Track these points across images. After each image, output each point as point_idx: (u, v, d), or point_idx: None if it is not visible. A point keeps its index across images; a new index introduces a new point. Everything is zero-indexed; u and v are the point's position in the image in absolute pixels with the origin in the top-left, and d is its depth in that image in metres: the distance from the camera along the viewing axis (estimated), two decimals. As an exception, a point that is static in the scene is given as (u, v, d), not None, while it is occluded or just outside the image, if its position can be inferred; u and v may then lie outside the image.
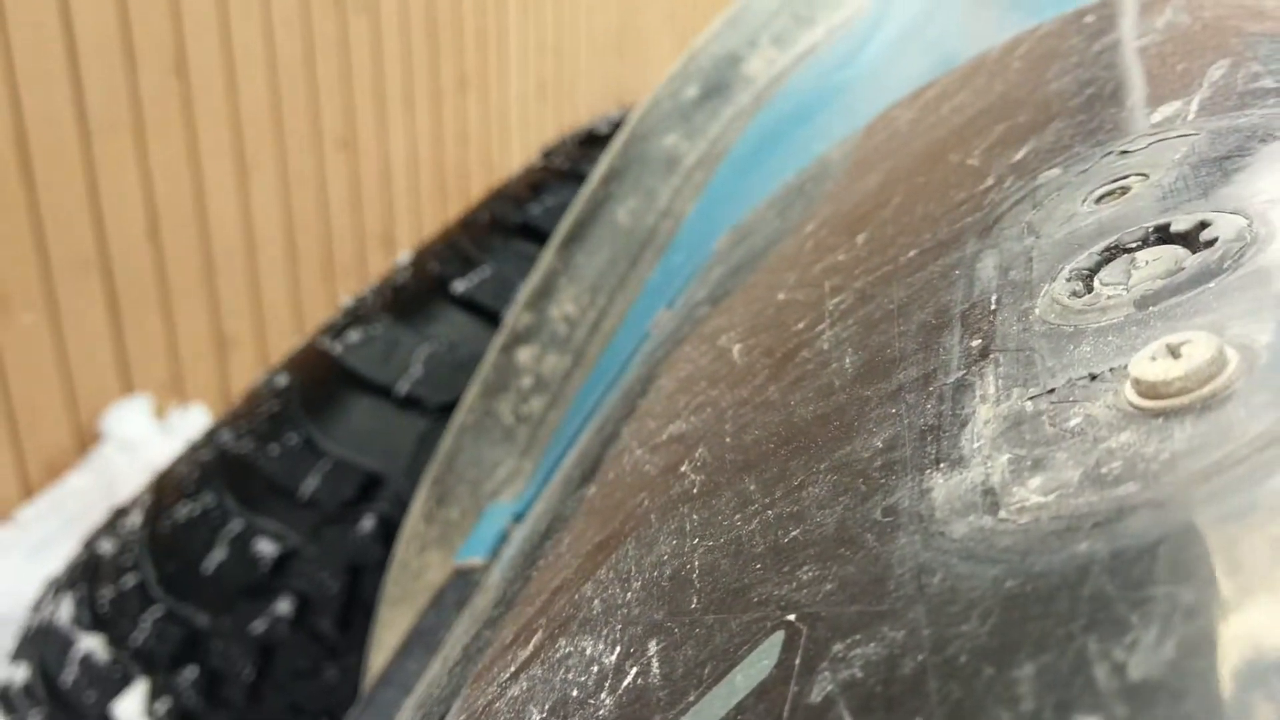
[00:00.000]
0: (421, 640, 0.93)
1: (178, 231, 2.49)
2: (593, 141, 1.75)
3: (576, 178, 1.56)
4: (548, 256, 1.16)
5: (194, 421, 2.51)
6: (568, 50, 4.24)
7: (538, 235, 1.53)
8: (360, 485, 1.33)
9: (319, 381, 1.42)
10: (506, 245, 1.56)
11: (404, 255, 1.79)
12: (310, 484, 1.32)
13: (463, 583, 0.96)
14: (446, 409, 1.33)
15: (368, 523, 1.31)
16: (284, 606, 1.28)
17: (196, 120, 2.49)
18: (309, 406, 1.38)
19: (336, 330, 1.47)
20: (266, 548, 1.30)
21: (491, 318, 1.45)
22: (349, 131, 3.04)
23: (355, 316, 1.49)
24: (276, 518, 1.31)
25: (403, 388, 1.40)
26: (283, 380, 1.46)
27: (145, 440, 2.37)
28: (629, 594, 0.40)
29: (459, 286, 1.51)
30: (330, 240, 3.01)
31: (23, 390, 2.19)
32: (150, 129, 2.37)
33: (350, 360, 1.42)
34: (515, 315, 1.15)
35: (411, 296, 1.51)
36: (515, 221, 1.59)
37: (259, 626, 1.27)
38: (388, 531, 1.30)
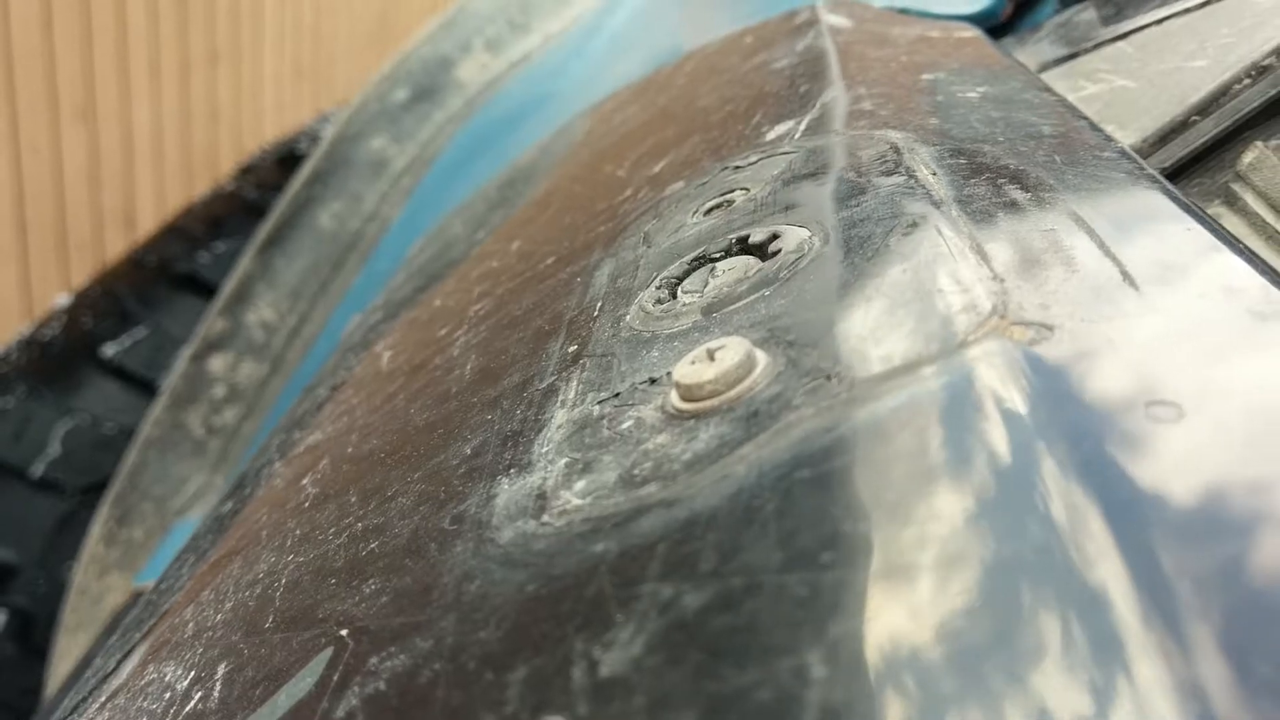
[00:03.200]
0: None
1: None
2: (293, 162, 1.68)
3: (261, 213, 1.49)
4: (245, 260, 1.11)
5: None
6: (326, 32, 4.09)
7: (205, 289, 1.45)
8: None
9: (-54, 459, 1.29)
10: (170, 299, 1.46)
11: (63, 298, 1.64)
12: None
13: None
14: (89, 491, 1.23)
15: None
16: None
17: (-80, 81, 2.23)
18: (-65, 487, 1.25)
19: None
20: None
21: (144, 386, 1.35)
22: (88, 101, 2.81)
23: None
24: None
25: (38, 469, 1.29)
26: None
27: None
28: (219, 615, 0.38)
29: (109, 350, 1.41)
30: (65, 216, 2.77)
31: None
32: None
33: None
34: (209, 322, 1.09)
35: (56, 359, 1.38)
36: (183, 270, 1.50)
37: None
38: (22, 627, 1.20)
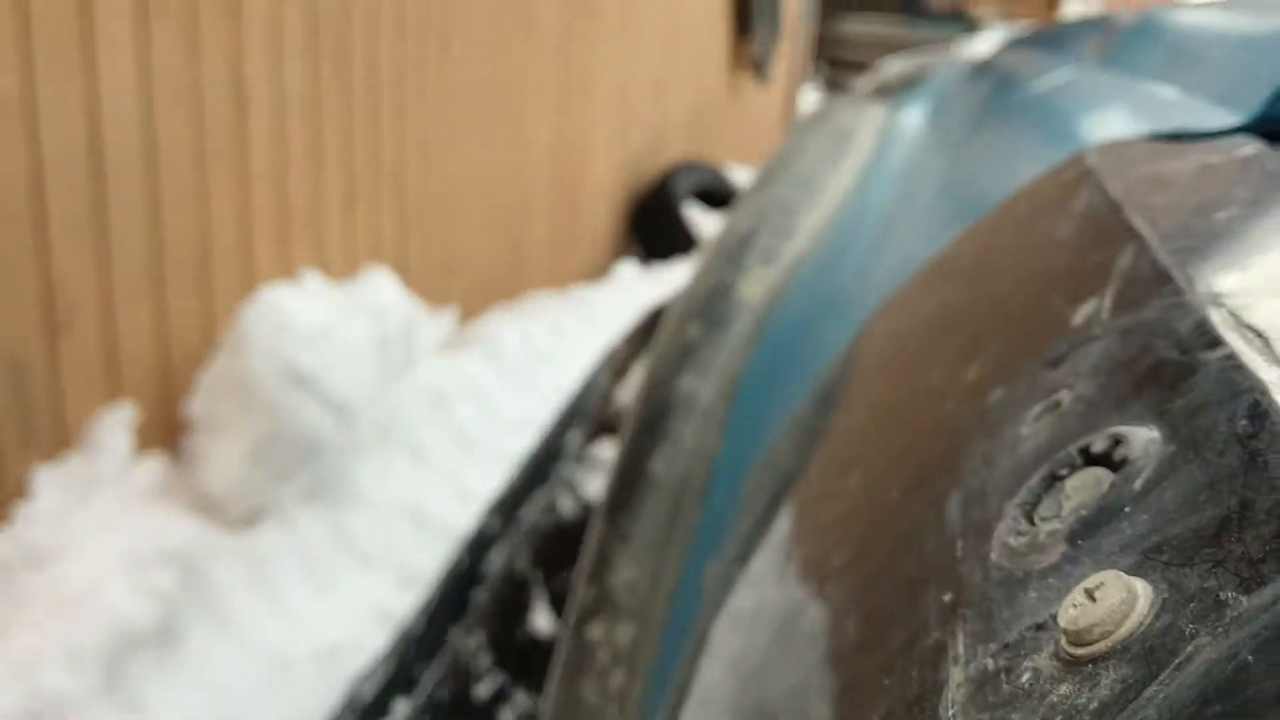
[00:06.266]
0: None
1: None
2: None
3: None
4: (596, 526, 1.21)
5: None
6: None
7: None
8: None
9: None
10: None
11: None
12: None
13: None
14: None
15: None
16: None
17: None
18: None
19: None
20: None
21: None
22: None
23: None
24: None
25: None
26: None
27: None
28: None
29: None
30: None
31: None
32: None
33: None
34: (580, 591, 1.19)
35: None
36: None
37: None
38: None
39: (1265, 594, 0.29)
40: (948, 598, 0.41)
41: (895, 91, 2.22)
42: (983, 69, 1.90)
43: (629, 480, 1.20)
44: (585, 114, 4.79)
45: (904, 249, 1.10)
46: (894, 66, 2.48)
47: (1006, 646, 0.36)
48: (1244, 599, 0.29)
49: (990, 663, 0.36)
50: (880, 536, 0.52)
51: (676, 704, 0.66)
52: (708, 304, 1.33)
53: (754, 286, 1.34)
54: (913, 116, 1.90)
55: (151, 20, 2.27)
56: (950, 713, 0.35)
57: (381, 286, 2.93)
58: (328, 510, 2.56)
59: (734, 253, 1.39)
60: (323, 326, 2.55)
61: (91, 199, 2.21)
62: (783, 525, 0.69)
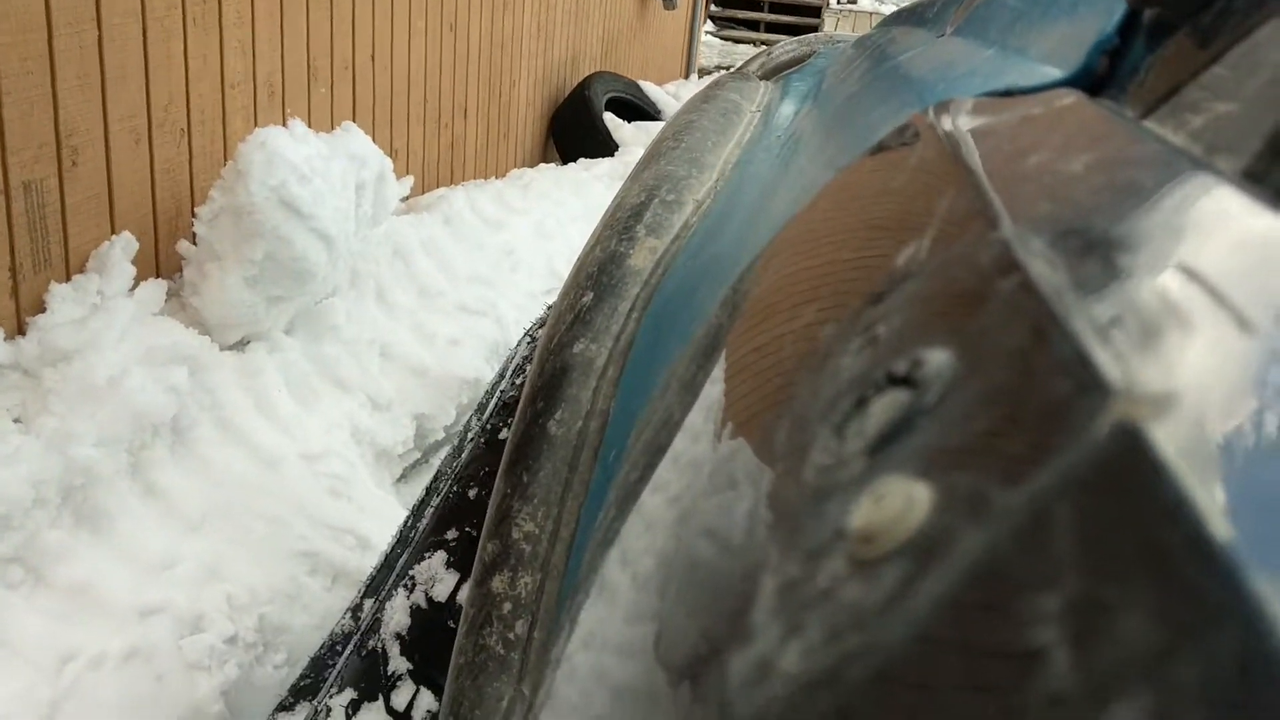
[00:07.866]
0: None
1: None
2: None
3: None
4: (497, 484, 1.20)
5: None
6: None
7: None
8: None
9: None
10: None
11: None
12: None
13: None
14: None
15: None
16: None
17: None
18: None
19: None
20: None
21: None
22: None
23: None
24: None
25: None
26: None
27: None
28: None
29: None
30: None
31: None
32: None
33: None
34: (481, 547, 1.18)
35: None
36: None
37: None
38: None
39: (1023, 490, 0.29)
40: (769, 517, 0.42)
41: (783, 70, 2.23)
42: (861, 46, 1.92)
43: (528, 439, 1.19)
44: (513, 27, 4.95)
45: (778, 214, 1.10)
46: (783, 47, 2.48)
47: (809, 553, 0.36)
48: (1005, 495, 0.30)
49: (794, 570, 0.36)
50: (731, 474, 0.52)
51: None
52: (600, 274, 1.33)
53: (643, 256, 1.34)
54: (798, 92, 1.91)
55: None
56: (761, 616, 0.36)
57: (358, 138, 3.03)
58: (308, 341, 2.72)
59: (625, 225, 1.39)
60: (311, 164, 2.63)
61: (92, 54, 2.31)
62: (659, 472, 0.69)
